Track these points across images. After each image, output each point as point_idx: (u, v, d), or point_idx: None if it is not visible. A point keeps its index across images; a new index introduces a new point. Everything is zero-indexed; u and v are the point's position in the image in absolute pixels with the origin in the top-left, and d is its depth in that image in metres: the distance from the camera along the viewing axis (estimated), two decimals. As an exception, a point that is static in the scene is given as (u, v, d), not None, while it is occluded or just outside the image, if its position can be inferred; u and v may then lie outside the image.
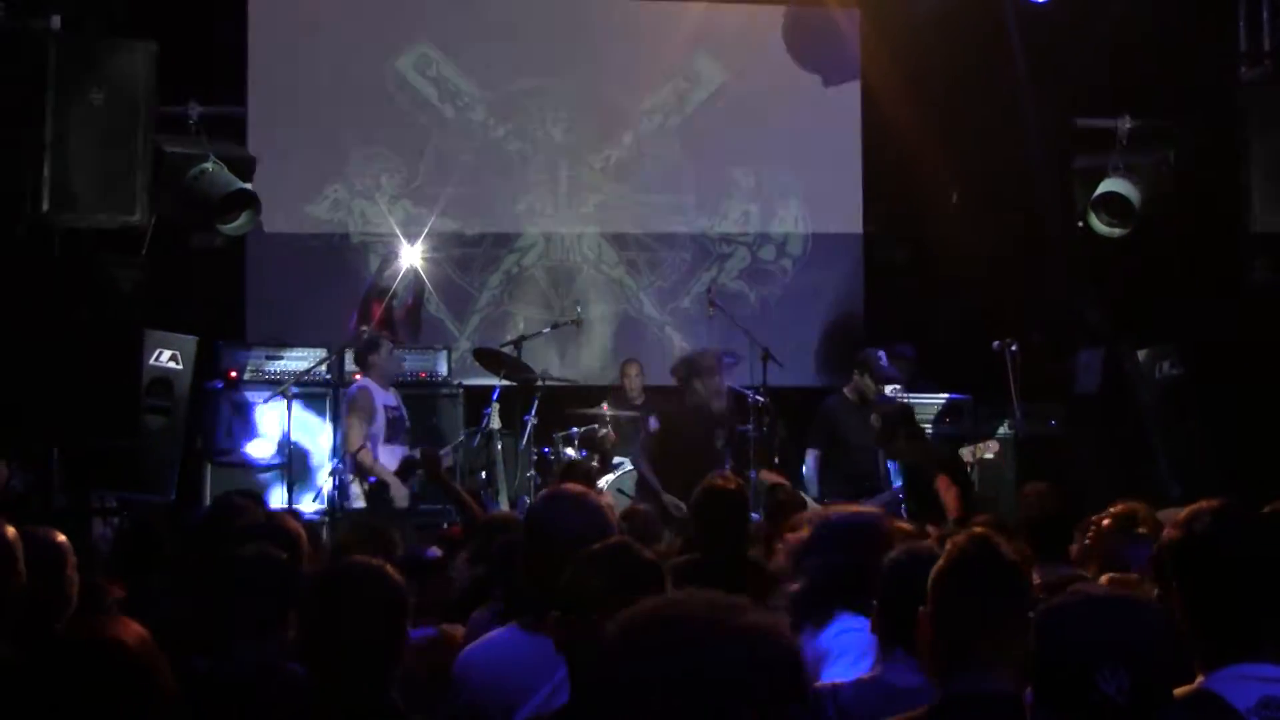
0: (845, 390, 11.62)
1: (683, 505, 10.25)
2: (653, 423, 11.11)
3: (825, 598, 4.51)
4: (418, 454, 10.70)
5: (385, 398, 11.59)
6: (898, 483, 10.93)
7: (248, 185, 11.99)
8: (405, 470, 11.23)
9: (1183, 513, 3.57)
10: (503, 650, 4.21)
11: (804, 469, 11.57)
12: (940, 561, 3.48)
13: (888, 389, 12.42)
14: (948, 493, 10.45)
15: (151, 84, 10.89)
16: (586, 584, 3.37)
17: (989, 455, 11.56)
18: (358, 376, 11.74)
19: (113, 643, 3.19)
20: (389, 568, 3.70)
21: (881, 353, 11.63)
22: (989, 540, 3.50)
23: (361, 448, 11.27)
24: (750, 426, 12.56)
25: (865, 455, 11.21)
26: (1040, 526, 6.64)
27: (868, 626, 4.05)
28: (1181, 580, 3.45)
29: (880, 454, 11.18)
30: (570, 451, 12.27)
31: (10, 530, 4.36)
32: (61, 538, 4.78)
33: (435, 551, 6.13)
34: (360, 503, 11.36)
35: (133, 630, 3.26)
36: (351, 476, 11.43)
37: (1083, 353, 13.18)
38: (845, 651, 4.36)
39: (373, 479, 11.29)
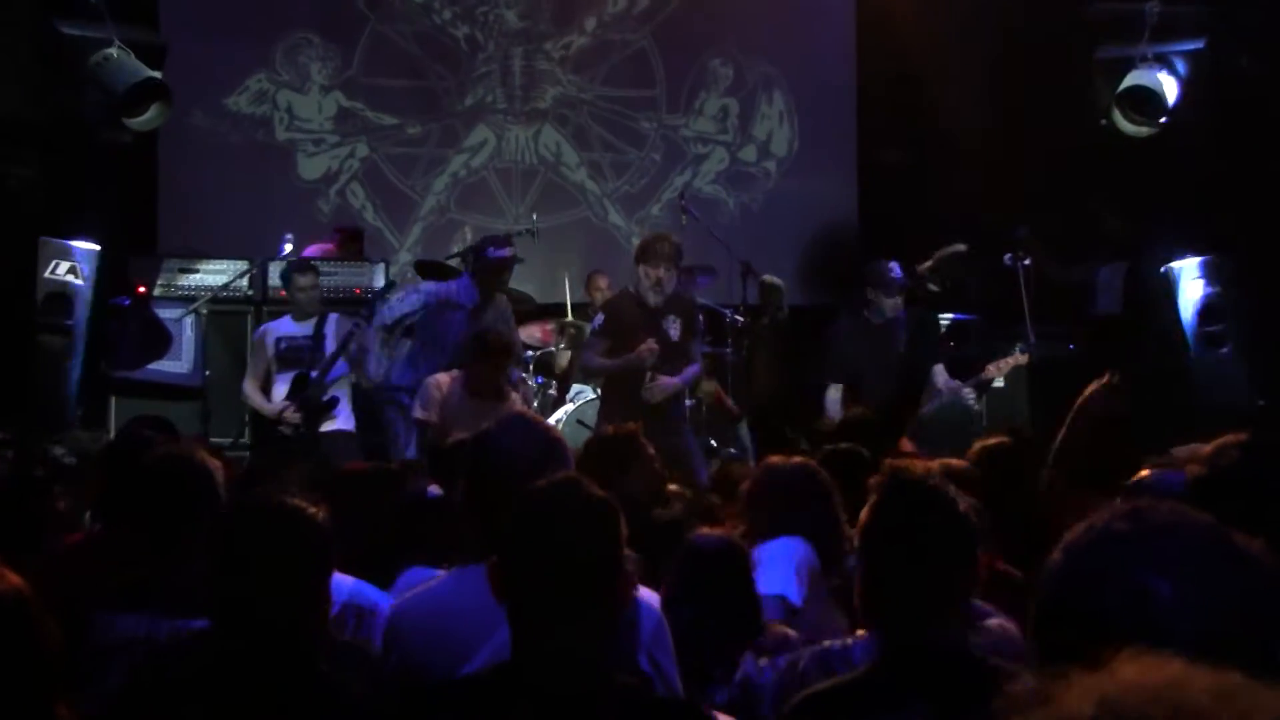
0: (865, 313, 11.47)
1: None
2: (598, 319, 11.02)
3: None
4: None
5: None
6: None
7: (157, 74, 11.86)
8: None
9: (1208, 447, 3.58)
10: (440, 599, 4.15)
11: (826, 404, 11.46)
12: (866, 508, 3.51)
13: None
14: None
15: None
16: (530, 523, 3.35)
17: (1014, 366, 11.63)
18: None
19: None
20: (308, 507, 3.66)
21: (893, 263, 11.54)
22: (919, 478, 3.50)
23: None
24: (728, 350, 12.52)
25: (891, 378, 11.15)
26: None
27: None
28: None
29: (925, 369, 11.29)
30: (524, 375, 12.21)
31: None
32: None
33: (435, 490, 6.06)
34: None
35: (8, 579, 3.23)
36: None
37: (1103, 268, 13.19)
38: None
39: None
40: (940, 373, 11.38)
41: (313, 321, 11.38)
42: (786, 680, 3.88)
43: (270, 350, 11.27)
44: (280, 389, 11.17)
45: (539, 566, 3.26)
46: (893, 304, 11.29)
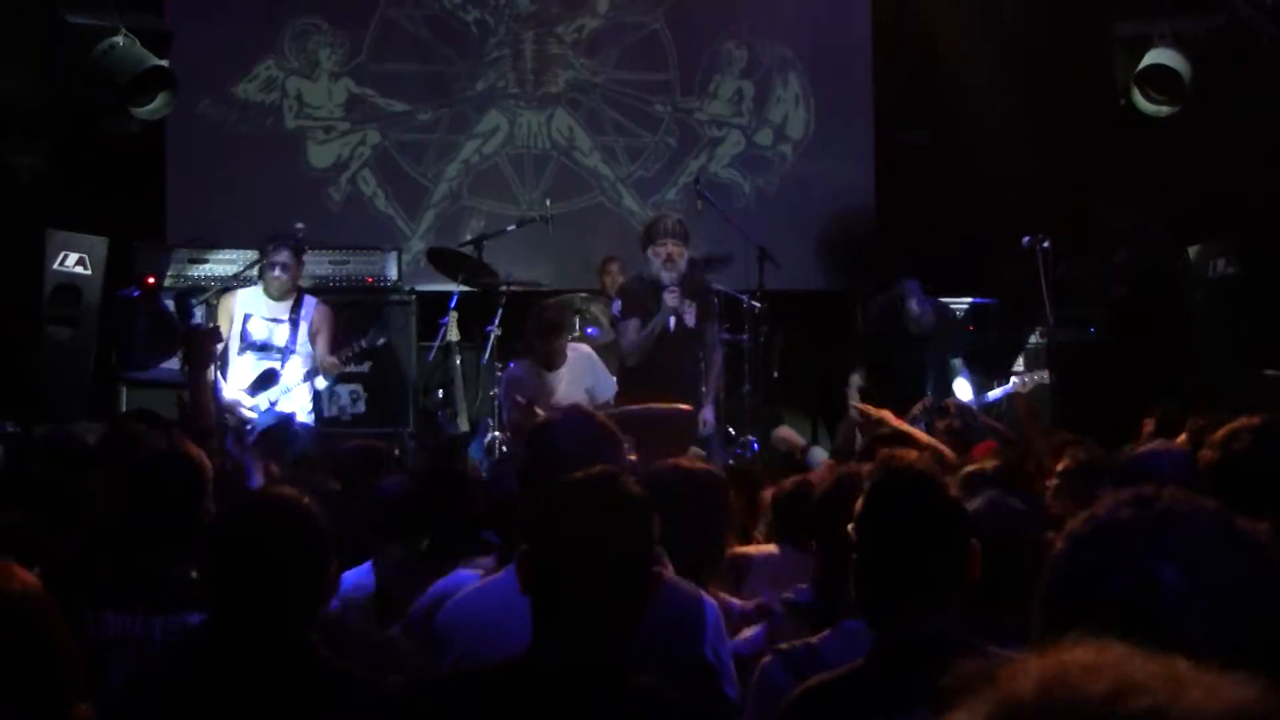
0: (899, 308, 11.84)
1: None
2: (615, 305, 11.11)
3: None
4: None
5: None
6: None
7: (164, 62, 11.88)
8: None
9: (1221, 431, 3.59)
10: (497, 594, 4.06)
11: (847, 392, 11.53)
12: (862, 497, 3.55)
13: None
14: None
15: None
16: (559, 517, 3.35)
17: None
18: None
19: None
20: (304, 499, 3.75)
21: (914, 285, 11.72)
22: (910, 466, 3.53)
23: None
24: (745, 336, 12.50)
25: (913, 378, 11.20)
26: None
27: None
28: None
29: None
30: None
31: None
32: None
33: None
34: None
35: (21, 579, 3.26)
36: None
37: (1121, 250, 13.16)
38: None
39: None
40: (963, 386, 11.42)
41: (287, 305, 11.08)
42: (759, 684, 3.88)
43: (234, 324, 10.90)
44: (239, 373, 10.87)
45: (565, 561, 3.27)
46: (914, 321, 11.44)
